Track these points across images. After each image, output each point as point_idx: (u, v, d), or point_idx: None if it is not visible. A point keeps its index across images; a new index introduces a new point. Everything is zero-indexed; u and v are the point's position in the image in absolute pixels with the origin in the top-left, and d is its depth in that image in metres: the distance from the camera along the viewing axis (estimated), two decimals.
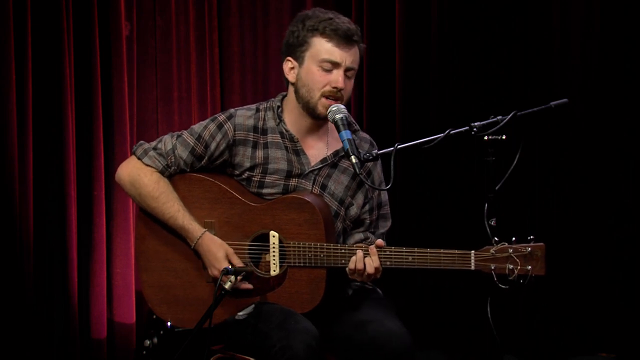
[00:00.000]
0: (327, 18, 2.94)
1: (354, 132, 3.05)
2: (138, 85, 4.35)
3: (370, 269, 2.82)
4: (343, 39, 2.91)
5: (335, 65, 2.92)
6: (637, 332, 4.26)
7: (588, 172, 4.32)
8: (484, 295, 2.72)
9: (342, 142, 2.83)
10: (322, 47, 2.93)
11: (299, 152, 3.01)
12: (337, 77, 2.91)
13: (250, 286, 2.90)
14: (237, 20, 4.54)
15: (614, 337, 4.31)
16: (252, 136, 3.00)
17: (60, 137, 4.08)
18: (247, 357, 2.89)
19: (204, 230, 2.93)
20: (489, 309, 2.68)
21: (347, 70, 2.93)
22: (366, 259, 2.82)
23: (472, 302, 4.24)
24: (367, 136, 3.12)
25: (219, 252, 2.91)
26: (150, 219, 3.00)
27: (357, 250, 2.83)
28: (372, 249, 2.83)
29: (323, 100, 2.93)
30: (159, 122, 4.41)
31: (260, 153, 3.00)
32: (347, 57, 2.92)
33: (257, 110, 3.04)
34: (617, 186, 4.30)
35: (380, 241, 2.85)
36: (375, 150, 2.86)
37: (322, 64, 2.93)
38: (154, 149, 3.01)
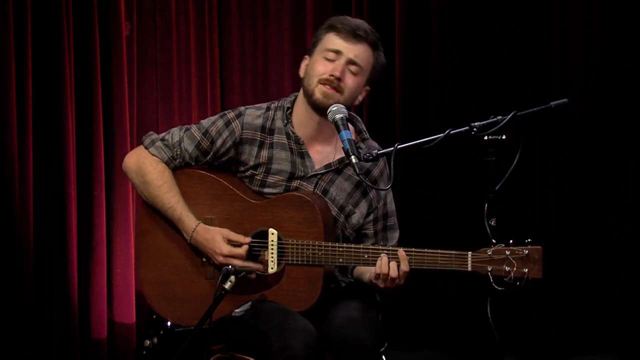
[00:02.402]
0: (342, 17, 3.00)
1: (363, 140, 3.06)
2: (138, 85, 4.35)
3: (393, 273, 2.79)
4: (349, 32, 2.93)
5: (338, 54, 2.93)
6: (637, 332, 4.25)
7: (588, 172, 4.32)
8: (484, 295, 2.72)
9: (342, 142, 2.82)
10: (329, 39, 2.96)
11: (303, 155, 3.00)
12: (337, 66, 2.92)
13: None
14: (237, 20, 4.55)
15: (614, 337, 4.31)
16: (259, 136, 3.01)
17: (60, 137, 4.08)
18: (246, 357, 2.90)
19: (199, 222, 2.93)
20: (489, 309, 2.68)
21: (350, 63, 2.93)
22: (391, 263, 2.79)
23: (472, 302, 4.23)
24: (376, 145, 3.09)
25: (216, 236, 2.91)
26: (153, 215, 3.01)
27: (382, 255, 2.80)
28: (402, 252, 2.79)
29: (320, 86, 2.93)
30: (159, 122, 4.42)
31: (265, 153, 3.00)
32: (350, 48, 2.93)
33: (268, 109, 3.05)
34: (617, 186, 4.30)
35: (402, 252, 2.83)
36: (376, 151, 2.85)
37: (326, 53, 2.94)
38: (162, 140, 3.03)
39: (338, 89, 2.93)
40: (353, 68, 2.95)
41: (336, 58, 2.93)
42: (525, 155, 2.72)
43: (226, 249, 2.89)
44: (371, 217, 3.06)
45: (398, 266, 2.78)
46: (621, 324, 4.28)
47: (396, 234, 3.12)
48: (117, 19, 4.21)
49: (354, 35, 2.93)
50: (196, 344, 2.72)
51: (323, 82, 2.93)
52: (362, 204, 3.05)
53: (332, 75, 2.92)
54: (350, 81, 2.95)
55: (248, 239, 2.90)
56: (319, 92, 2.93)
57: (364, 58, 2.96)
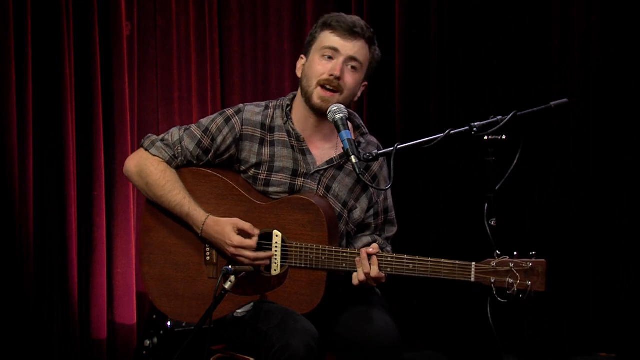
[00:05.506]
0: (336, 14, 2.98)
1: (362, 135, 3.06)
2: (139, 85, 4.36)
3: (374, 273, 2.81)
4: (345, 30, 2.92)
5: (335, 52, 2.92)
6: (637, 332, 4.25)
7: (588, 171, 4.32)
8: (484, 295, 2.72)
9: (342, 141, 2.83)
10: (325, 38, 2.95)
11: (304, 152, 3.00)
12: (335, 65, 2.91)
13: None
14: (237, 20, 4.55)
15: (614, 337, 4.31)
16: (259, 132, 3.00)
17: (60, 137, 4.09)
18: (247, 357, 2.90)
19: (208, 214, 2.93)
20: (489, 309, 2.68)
21: (348, 60, 2.93)
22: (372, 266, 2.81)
23: (472, 302, 4.23)
24: (375, 140, 3.10)
25: (226, 227, 2.90)
26: (158, 211, 3.01)
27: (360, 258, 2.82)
28: (363, 253, 2.81)
29: (319, 89, 2.93)
30: (159, 122, 4.42)
31: (266, 150, 3.00)
32: (348, 46, 2.93)
33: (267, 107, 3.05)
34: (617, 186, 4.29)
35: (375, 245, 2.85)
36: (376, 151, 2.86)
37: (323, 51, 2.94)
38: (161, 140, 3.03)
39: (337, 89, 2.93)
40: (352, 64, 2.94)
41: (334, 56, 2.93)
42: (525, 155, 2.72)
43: (237, 239, 2.88)
44: (372, 212, 3.07)
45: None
46: (621, 324, 4.28)
47: (394, 229, 3.14)
48: (117, 18, 4.21)
49: (351, 32, 2.93)
50: (196, 344, 2.72)
51: (322, 83, 2.92)
52: (363, 199, 3.05)
53: (331, 75, 2.92)
54: (349, 79, 2.94)
55: (257, 230, 2.90)
56: (317, 97, 2.93)
57: (362, 54, 2.96)
